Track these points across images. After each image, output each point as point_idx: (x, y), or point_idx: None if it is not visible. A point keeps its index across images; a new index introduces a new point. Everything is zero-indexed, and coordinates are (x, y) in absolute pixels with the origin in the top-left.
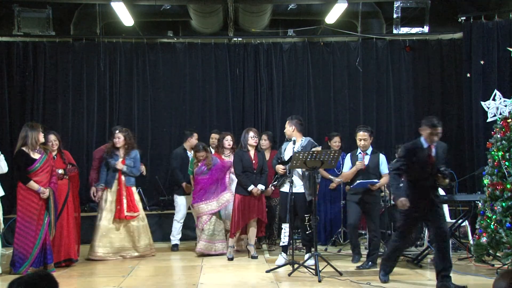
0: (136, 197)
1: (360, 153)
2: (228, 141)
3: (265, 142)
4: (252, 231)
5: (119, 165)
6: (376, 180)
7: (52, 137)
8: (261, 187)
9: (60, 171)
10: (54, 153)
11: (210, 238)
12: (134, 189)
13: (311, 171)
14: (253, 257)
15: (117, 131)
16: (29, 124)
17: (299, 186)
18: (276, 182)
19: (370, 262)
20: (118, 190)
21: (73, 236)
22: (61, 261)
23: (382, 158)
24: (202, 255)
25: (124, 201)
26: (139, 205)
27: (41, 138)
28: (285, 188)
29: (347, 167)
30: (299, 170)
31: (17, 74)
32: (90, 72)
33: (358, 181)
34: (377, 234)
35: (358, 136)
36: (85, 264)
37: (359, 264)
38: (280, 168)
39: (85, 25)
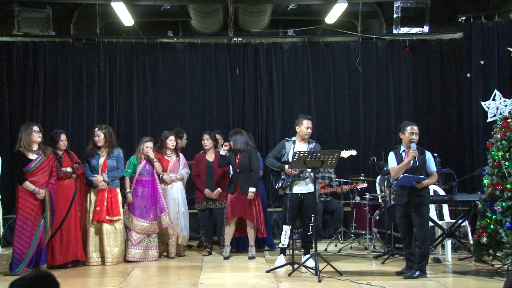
0: (120, 198)
1: (404, 151)
2: (171, 141)
3: (207, 142)
4: (249, 232)
5: (99, 179)
6: (422, 176)
7: (63, 136)
8: (252, 189)
9: (69, 169)
10: (61, 152)
11: (146, 246)
12: (118, 190)
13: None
14: (250, 258)
15: (96, 129)
16: (24, 124)
17: (310, 186)
18: (281, 184)
19: (418, 271)
20: (100, 191)
21: (80, 236)
22: (68, 263)
23: (429, 155)
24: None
25: (105, 203)
26: (120, 208)
27: (36, 138)
28: (293, 190)
29: (393, 164)
30: (309, 170)
31: (17, 74)
32: (90, 72)
33: (402, 175)
34: (426, 239)
35: (408, 131)
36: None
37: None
38: (289, 170)
39: (85, 25)
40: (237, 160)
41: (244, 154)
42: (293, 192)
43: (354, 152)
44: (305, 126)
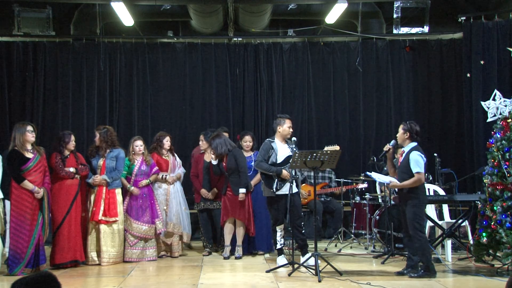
0: (119, 198)
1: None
2: (168, 141)
3: (201, 143)
4: (238, 231)
5: (98, 179)
6: (387, 181)
7: (73, 137)
8: (242, 190)
9: (72, 169)
10: (67, 153)
11: (143, 246)
12: (118, 191)
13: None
14: (237, 258)
15: (94, 130)
16: (18, 124)
17: (294, 186)
18: (276, 187)
19: (422, 271)
20: (97, 191)
21: (80, 237)
22: (66, 263)
23: (412, 155)
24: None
25: (102, 203)
26: (120, 209)
27: (29, 138)
28: (282, 191)
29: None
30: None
31: (17, 74)
32: (90, 72)
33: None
34: (419, 239)
35: None
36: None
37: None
38: (287, 174)
39: (85, 25)
40: (224, 164)
41: (229, 156)
42: (281, 193)
43: (337, 147)
44: (287, 126)
